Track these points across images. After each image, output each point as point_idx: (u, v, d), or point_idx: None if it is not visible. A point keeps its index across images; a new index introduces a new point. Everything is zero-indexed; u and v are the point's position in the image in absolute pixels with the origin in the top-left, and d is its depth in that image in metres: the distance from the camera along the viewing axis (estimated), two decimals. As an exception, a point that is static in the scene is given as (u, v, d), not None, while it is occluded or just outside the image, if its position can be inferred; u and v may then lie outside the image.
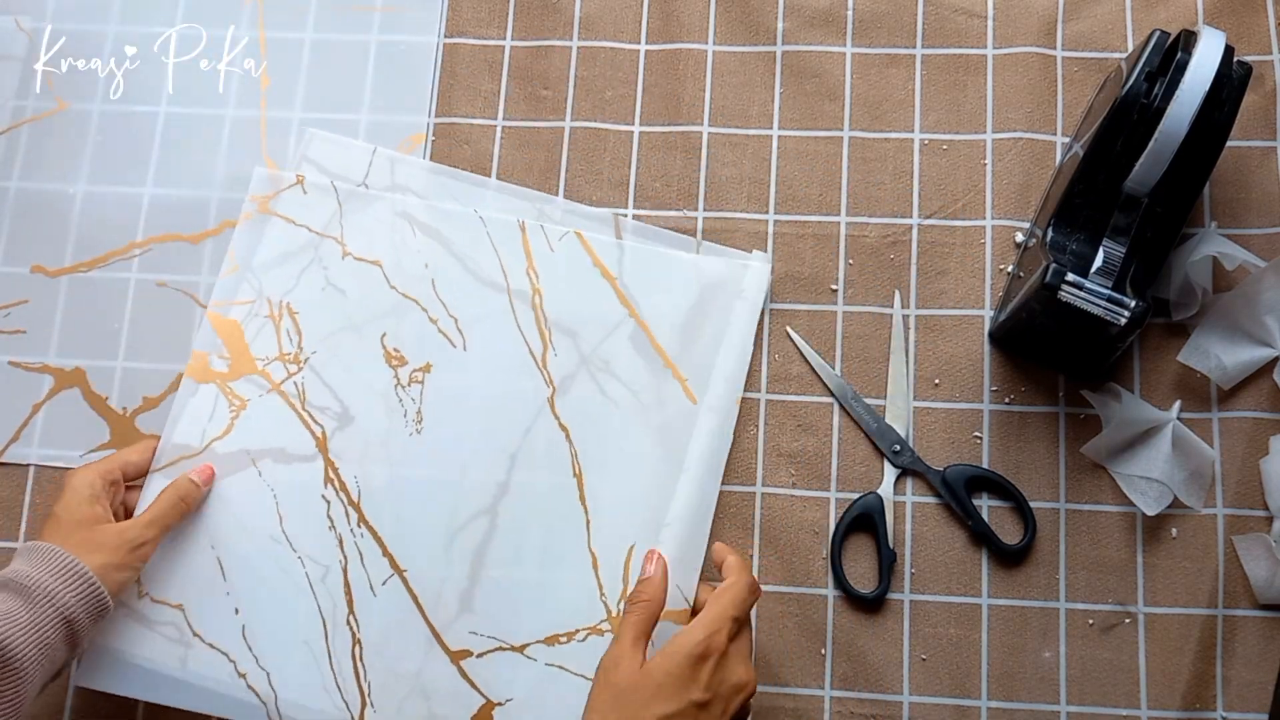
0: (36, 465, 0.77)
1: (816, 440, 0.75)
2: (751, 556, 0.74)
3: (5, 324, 0.80)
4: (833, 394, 0.75)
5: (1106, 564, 0.72)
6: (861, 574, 0.73)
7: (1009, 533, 0.73)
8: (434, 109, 0.83)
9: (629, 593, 0.66)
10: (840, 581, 0.72)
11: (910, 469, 0.74)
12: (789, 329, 0.77)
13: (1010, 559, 0.72)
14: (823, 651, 0.72)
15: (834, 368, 0.76)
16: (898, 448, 0.74)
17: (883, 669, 0.72)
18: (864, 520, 0.73)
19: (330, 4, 0.85)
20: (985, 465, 0.74)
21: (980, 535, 0.72)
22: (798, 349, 0.77)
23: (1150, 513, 0.71)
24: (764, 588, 0.73)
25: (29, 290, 0.80)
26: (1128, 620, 0.71)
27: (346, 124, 0.82)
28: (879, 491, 0.73)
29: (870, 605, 0.72)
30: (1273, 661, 0.70)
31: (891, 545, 0.73)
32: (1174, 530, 0.72)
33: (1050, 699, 0.71)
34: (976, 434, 0.74)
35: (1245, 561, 0.71)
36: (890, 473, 0.74)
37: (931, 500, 0.74)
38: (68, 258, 0.81)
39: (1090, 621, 0.72)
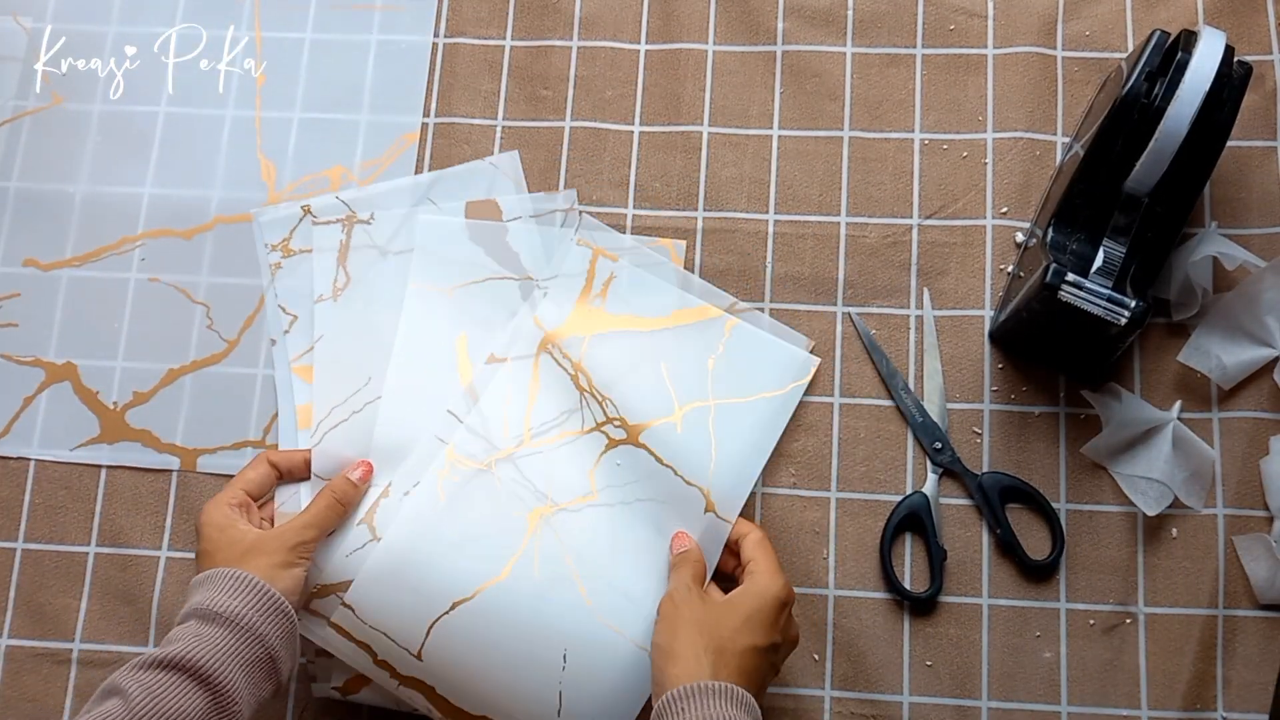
0: (36, 461, 0.77)
1: (817, 440, 0.75)
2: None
3: None
4: (884, 383, 0.75)
5: (1107, 564, 0.72)
6: (860, 574, 0.73)
7: (1023, 537, 0.73)
8: (434, 109, 0.83)
9: (671, 562, 0.69)
10: (893, 584, 0.72)
11: (950, 469, 0.74)
12: (852, 314, 0.77)
13: (1033, 573, 0.72)
14: (823, 652, 0.72)
15: (834, 368, 0.76)
16: (939, 445, 0.74)
17: (883, 669, 0.72)
18: (911, 520, 0.73)
19: (330, 4, 0.85)
20: (986, 467, 0.74)
21: (1006, 545, 0.72)
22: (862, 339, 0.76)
23: (1151, 513, 0.71)
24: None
25: (21, 284, 0.81)
26: (1128, 620, 0.71)
27: (346, 124, 0.82)
28: (924, 491, 0.73)
29: (922, 606, 0.72)
30: (1273, 661, 0.70)
31: (942, 544, 0.73)
32: (1174, 530, 0.72)
33: (1051, 699, 0.71)
34: (975, 429, 0.74)
35: (1245, 561, 0.71)
36: (932, 471, 0.74)
37: (949, 501, 0.74)
38: (62, 253, 0.81)
39: (1091, 622, 0.71)
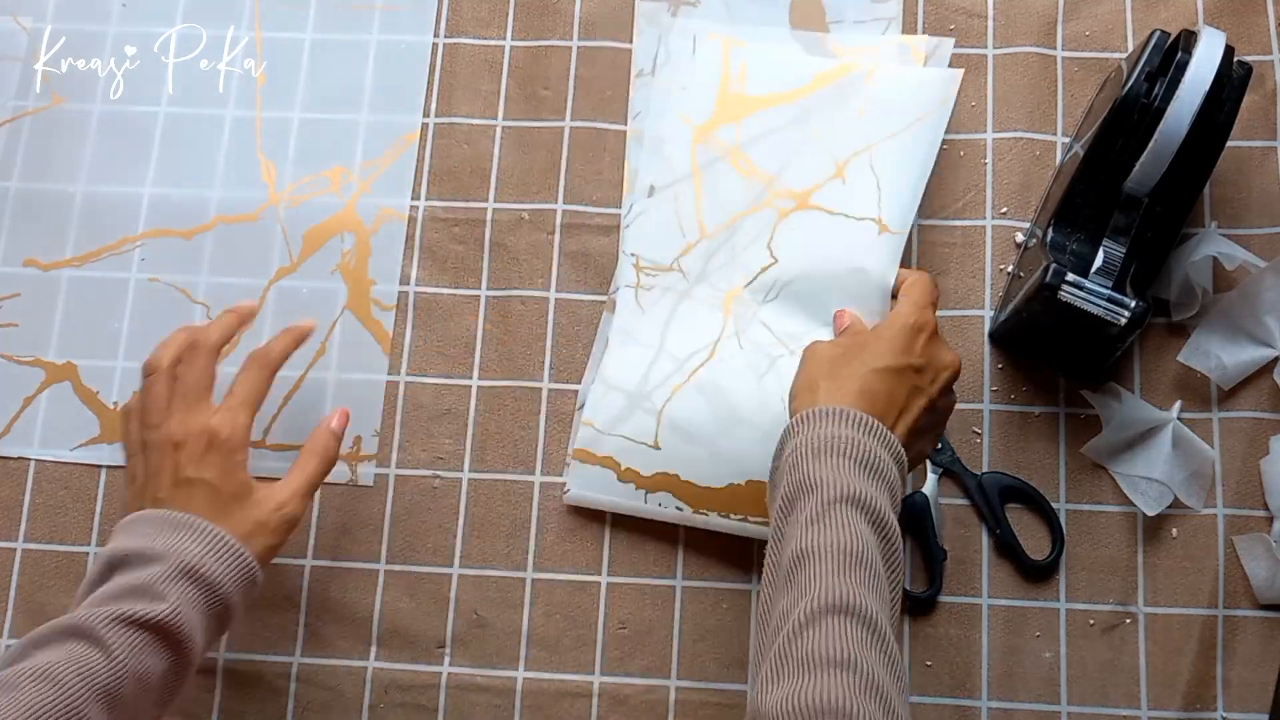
0: (36, 461, 0.77)
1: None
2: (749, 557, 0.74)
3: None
4: None
5: (1107, 564, 0.72)
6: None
7: (1023, 537, 0.73)
8: (434, 109, 0.83)
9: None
10: None
11: (949, 469, 0.74)
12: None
13: (1033, 573, 0.72)
14: (823, 651, 0.72)
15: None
16: (939, 445, 0.74)
17: (883, 669, 0.71)
18: (910, 520, 0.72)
19: (330, 4, 0.85)
20: (986, 467, 0.74)
21: (1006, 545, 0.72)
22: None
23: (1150, 513, 0.71)
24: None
25: (22, 284, 0.81)
26: (1128, 620, 0.71)
27: (346, 124, 0.82)
28: (924, 491, 0.73)
29: (922, 607, 0.72)
30: (1273, 661, 0.70)
31: (942, 544, 0.72)
32: (1174, 530, 0.72)
33: (1051, 699, 0.71)
34: (975, 429, 0.74)
35: (1245, 561, 0.71)
36: (932, 471, 0.73)
37: (949, 501, 0.73)
38: (63, 253, 0.81)
39: (1090, 622, 0.71)
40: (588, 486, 0.74)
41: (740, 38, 0.79)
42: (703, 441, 0.72)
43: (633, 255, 0.77)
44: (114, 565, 0.60)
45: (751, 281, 0.75)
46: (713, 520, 0.72)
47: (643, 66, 0.81)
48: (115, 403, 0.78)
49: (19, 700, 0.52)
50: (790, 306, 0.74)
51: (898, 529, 0.55)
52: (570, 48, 0.83)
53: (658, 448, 0.72)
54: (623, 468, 0.73)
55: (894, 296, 0.70)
